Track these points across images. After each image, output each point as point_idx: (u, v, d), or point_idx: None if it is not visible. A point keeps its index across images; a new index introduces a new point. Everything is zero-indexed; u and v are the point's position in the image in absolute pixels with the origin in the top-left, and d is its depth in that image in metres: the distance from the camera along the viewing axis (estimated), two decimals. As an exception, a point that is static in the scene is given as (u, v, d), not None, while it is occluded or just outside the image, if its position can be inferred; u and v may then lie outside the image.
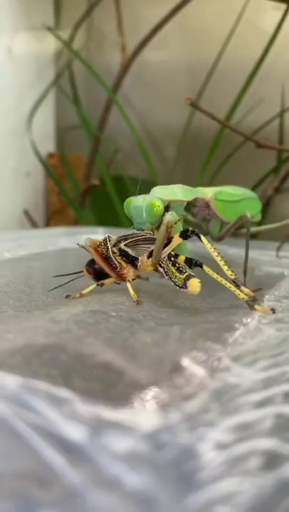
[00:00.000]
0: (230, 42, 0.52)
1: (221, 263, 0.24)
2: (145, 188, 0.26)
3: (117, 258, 0.25)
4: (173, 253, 0.24)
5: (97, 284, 0.25)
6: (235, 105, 0.50)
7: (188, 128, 0.56)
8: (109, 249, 0.25)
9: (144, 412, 0.14)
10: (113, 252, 0.25)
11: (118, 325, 0.20)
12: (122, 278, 0.25)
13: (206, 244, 0.24)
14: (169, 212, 0.24)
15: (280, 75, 0.55)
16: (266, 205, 0.51)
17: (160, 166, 0.62)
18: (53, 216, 0.63)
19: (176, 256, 0.24)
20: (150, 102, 0.63)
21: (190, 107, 0.54)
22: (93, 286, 0.25)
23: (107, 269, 0.25)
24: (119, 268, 0.25)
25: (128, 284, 0.24)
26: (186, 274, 0.22)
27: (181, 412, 0.14)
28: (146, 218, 0.24)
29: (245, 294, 0.23)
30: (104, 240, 0.25)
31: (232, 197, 0.31)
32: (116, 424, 0.13)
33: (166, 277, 0.24)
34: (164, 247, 0.24)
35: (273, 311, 0.23)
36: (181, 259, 0.24)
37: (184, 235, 0.24)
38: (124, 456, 0.12)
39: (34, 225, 0.58)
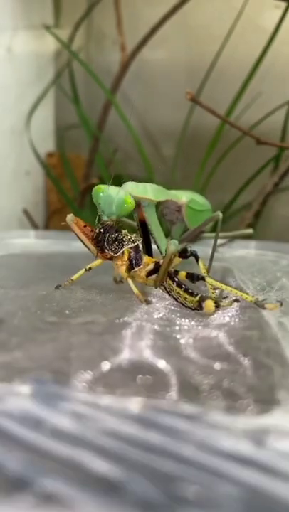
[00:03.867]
0: (230, 40, 0.52)
1: (210, 287, 0.25)
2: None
3: (126, 248, 0.25)
4: (172, 270, 0.24)
5: (85, 269, 0.25)
6: (235, 103, 0.50)
7: (187, 126, 0.56)
8: (127, 235, 0.25)
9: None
10: (129, 239, 0.25)
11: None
12: (103, 257, 0.25)
13: (201, 267, 0.25)
14: (172, 242, 0.24)
15: (280, 73, 0.54)
16: (263, 203, 0.51)
17: (160, 164, 0.61)
18: (53, 215, 0.63)
19: (176, 273, 0.24)
20: (150, 100, 0.63)
21: (189, 106, 0.55)
22: (82, 271, 0.25)
23: (91, 248, 0.25)
24: (119, 254, 0.25)
25: (130, 283, 0.24)
26: (199, 296, 0.23)
27: None
28: (115, 211, 0.25)
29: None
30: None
31: (200, 206, 0.33)
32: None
33: (171, 297, 0.24)
34: (157, 267, 0.24)
35: (281, 303, 0.23)
36: (182, 275, 0.24)
37: (183, 255, 0.25)
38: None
39: (34, 224, 0.58)
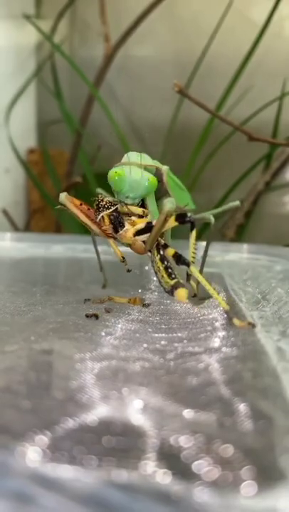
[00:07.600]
0: (219, 33, 0.50)
1: (223, 304, 0.22)
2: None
3: (105, 214, 0.23)
4: (163, 242, 0.23)
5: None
6: (225, 97, 0.48)
7: (175, 121, 0.53)
8: (104, 201, 0.23)
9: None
10: (105, 207, 0.23)
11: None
12: (106, 234, 0.24)
13: (192, 237, 0.23)
14: (168, 199, 0.21)
15: (272, 67, 0.52)
16: (254, 203, 0.49)
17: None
18: (34, 215, 0.60)
19: (166, 247, 0.23)
20: (136, 95, 0.61)
21: (177, 100, 0.52)
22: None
23: (87, 221, 0.23)
24: (99, 220, 0.23)
25: (111, 243, 0.23)
26: (175, 281, 0.22)
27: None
28: (142, 193, 0.23)
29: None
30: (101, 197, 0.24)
31: (178, 184, 0.29)
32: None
33: (153, 271, 0.23)
34: (149, 228, 0.23)
35: (253, 325, 0.21)
36: (170, 251, 0.23)
37: (181, 220, 0.23)
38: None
39: (14, 225, 0.55)
